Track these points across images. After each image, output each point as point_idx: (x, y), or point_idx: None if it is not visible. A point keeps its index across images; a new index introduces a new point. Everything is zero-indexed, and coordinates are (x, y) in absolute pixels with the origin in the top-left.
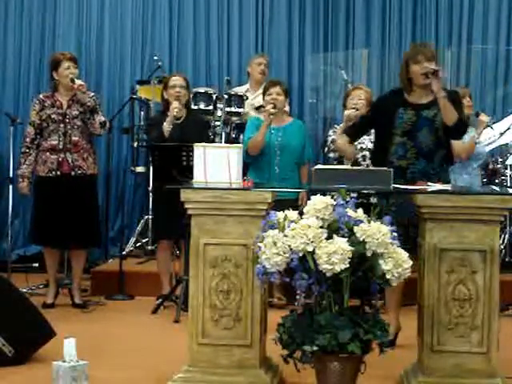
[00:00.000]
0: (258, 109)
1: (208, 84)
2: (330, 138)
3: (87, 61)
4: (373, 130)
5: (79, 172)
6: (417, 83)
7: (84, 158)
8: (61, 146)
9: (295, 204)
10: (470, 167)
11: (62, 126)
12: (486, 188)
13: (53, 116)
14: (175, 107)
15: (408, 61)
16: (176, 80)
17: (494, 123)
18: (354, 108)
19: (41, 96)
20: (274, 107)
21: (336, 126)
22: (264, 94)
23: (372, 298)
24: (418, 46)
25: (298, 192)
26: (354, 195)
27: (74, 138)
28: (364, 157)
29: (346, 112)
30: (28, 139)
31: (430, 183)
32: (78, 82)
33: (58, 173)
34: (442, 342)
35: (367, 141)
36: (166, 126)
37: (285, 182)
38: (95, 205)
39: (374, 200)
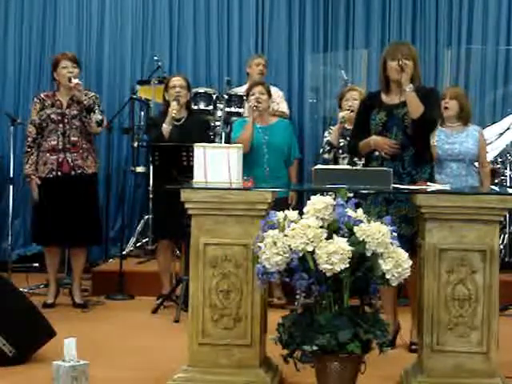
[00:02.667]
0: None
1: (208, 84)
2: (325, 140)
3: (87, 61)
4: None
5: (79, 172)
6: (393, 79)
7: (84, 157)
8: (60, 147)
9: (286, 203)
10: (449, 168)
11: (60, 126)
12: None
13: (52, 116)
14: (174, 108)
15: (386, 57)
16: (176, 80)
17: (493, 123)
18: (348, 109)
19: (42, 95)
20: (258, 102)
21: (331, 127)
22: (247, 94)
23: (372, 298)
24: (396, 44)
25: (288, 191)
26: (351, 195)
27: (73, 138)
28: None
29: (341, 114)
30: (30, 138)
31: (400, 184)
32: (75, 80)
33: (59, 173)
34: (441, 342)
35: None
36: (165, 127)
37: (276, 180)
38: (96, 203)
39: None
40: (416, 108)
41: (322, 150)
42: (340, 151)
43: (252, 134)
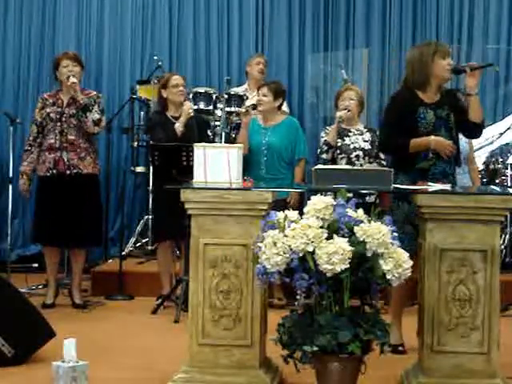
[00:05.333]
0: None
1: (208, 84)
2: (321, 140)
3: (87, 60)
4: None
5: (74, 171)
6: (441, 77)
7: (81, 157)
8: (57, 145)
9: (285, 204)
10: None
11: (58, 124)
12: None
13: (51, 114)
14: (190, 108)
15: (434, 55)
16: (178, 79)
17: (494, 123)
18: (345, 109)
19: (45, 95)
20: (254, 108)
21: (327, 127)
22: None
23: (372, 298)
24: (439, 43)
25: (289, 192)
26: (351, 195)
27: (70, 137)
28: (358, 156)
29: (338, 113)
30: (31, 137)
31: (448, 184)
32: (71, 79)
33: (55, 171)
34: (442, 343)
35: (360, 140)
36: (180, 127)
37: (272, 182)
38: (94, 204)
39: (369, 199)
40: (480, 113)
41: (319, 151)
42: (338, 151)
43: (246, 136)
